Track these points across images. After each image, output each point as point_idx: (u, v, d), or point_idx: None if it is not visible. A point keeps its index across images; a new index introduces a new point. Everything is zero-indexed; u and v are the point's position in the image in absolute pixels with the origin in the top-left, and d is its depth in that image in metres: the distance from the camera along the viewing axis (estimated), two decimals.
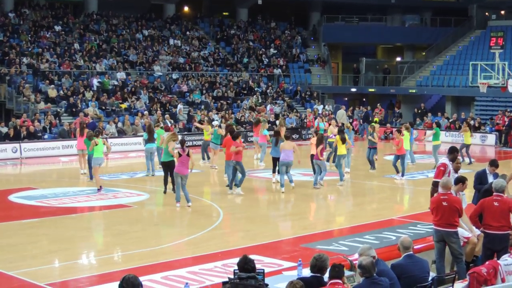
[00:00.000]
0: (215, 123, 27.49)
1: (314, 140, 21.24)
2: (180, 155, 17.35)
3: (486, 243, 11.02)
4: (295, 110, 40.63)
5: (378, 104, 42.03)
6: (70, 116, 33.18)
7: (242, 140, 22.29)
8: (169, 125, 32.59)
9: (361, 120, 39.55)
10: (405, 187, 21.94)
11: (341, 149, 21.72)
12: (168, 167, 19.16)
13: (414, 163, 25.79)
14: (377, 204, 19.18)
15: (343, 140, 21.72)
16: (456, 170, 12.91)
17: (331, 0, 51.72)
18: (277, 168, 21.11)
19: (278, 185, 20.43)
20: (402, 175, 22.64)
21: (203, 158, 26.52)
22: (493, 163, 13.61)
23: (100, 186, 19.59)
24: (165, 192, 19.38)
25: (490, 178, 13.29)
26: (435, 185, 12.69)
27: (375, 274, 8.16)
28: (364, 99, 49.19)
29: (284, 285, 9.32)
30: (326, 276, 8.04)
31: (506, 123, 35.74)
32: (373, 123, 27.86)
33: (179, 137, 20.52)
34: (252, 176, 23.17)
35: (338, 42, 52.58)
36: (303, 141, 35.94)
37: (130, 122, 32.78)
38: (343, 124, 27.50)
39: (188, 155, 17.35)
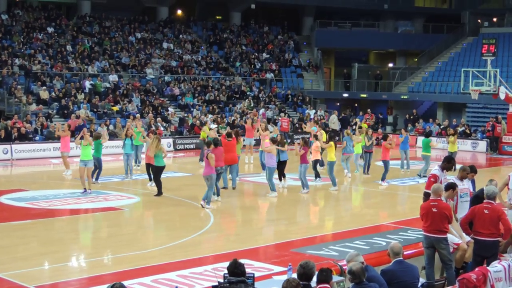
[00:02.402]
0: (212, 126, 27.57)
1: (316, 145, 21.47)
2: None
3: (476, 249, 11.05)
4: (287, 115, 40.63)
5: (369, 110, 42.10)
6: (61, 118, 33.10)
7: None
8: (162, 128, 32.64)
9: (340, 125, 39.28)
10: (396, 193, 21.99)
11: (332, 156, 21.71)
12: (160, 171, 19.55)
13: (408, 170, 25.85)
14: (367, 210, 19.20)
15: (335, 146, 21.84)
16: (461, 179, 12.76)
17: (324, 5, 51.81)
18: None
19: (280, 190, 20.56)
20: (383, 180, 22.88)
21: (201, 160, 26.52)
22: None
23: (89, 189, 19.61)
24: (159, 194, 19.42)
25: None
26: (426, 195, 12.72)
27: (364, 280, 8.19)
28: (356, 105, 49.29)
29: None
30: (314, 281, 8.06)
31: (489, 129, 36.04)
32: (367, 128, 27.95)
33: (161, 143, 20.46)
34: (243, 180, 23.17)
35: (331, 47, 52.73)
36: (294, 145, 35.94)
37: (122, 125, 32.70)
38: (333, 130, 27.56)
39: (207, 158, 17.65)
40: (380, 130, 39.15)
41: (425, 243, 11.11)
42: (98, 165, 21.45)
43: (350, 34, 51.27)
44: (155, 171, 19.72)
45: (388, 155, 23.02)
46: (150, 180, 21.03)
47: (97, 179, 21.59)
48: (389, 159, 23.17)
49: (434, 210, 10.87)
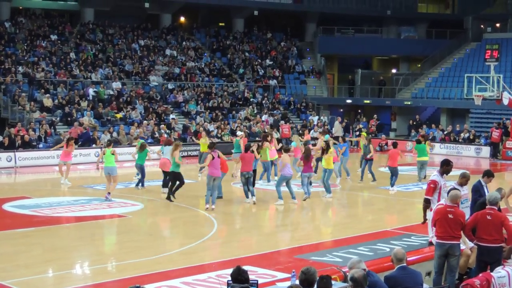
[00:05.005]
0: (238, 133, 27.73)
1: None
2: (213, 157, 18.16)
3: (479, 255, 11.04)
4: (288, 121, 40.62)
5: (375, 116, 42.16)
6: (65, 125, 33.16)
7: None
8: (165, 135, 32.65)
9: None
10: (399, 198, 21.96)
11: (330, 163, 21.59)
12: (174, 177, 19.86)
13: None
14: (371, 216, 19.18)
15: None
16: (462, 184, 12.72)
17: (327, 12, 51.88)
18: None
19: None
20: (392, 186, 22.95)
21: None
22: (489, 174, 13.57)
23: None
24: (170, 199, 19.62)
25: (485, 189, 13.28)
26: (426, 201, 12.71)
27: (366, 287, 8.18)
28: (359, 111, 49.31)
29: None
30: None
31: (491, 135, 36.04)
32: (368, 135, 27.84)
33: (181, 144, 21.16)
34: None
35: (334, 53, 52.77)
36: None
37: (125, 132, 32.77)
38: (336, 137, 27.45)
39: (219, 156, 18.32)
40: (384, 136, 39.15)
41: (439, 251, 11.02)
42: (141, 172, 22.42)
43: (353, 40, 51.33)
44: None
45: (396, 161, 22.97)
46: (164, 186, 21.39)
47: (143, 185, 22.37)
48: (397, 165, 23.16)
49: (450, 216, 10.86)
